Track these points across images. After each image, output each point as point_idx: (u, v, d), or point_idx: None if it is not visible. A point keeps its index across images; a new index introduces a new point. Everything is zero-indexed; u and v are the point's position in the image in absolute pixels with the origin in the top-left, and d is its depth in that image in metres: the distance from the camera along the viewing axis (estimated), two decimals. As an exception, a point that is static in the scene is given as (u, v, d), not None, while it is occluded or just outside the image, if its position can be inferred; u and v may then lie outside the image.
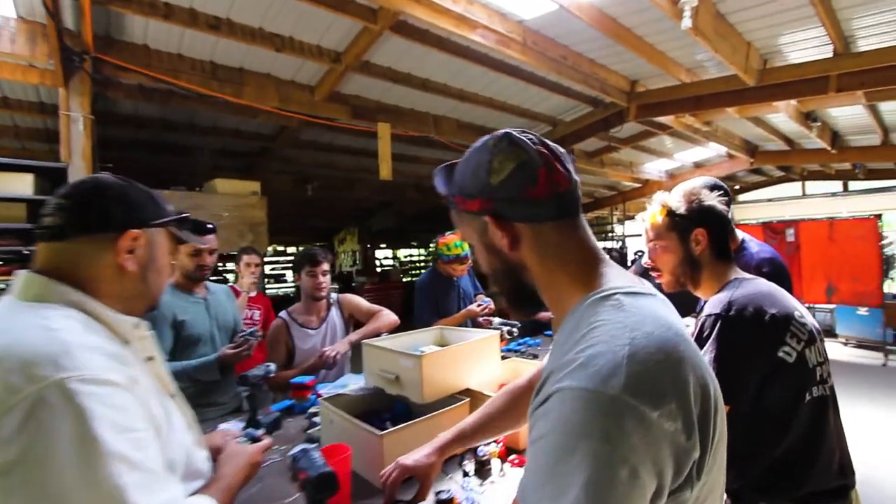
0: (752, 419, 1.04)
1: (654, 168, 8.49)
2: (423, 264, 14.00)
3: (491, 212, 0.64)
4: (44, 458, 0.56)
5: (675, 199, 1.20)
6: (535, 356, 2.55)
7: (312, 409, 1.72)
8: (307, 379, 1.89)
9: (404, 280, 11.45)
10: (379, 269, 12.36)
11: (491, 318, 2.75)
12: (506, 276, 0.68)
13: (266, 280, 11.75)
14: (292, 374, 2.04)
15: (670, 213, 1.19)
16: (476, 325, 2.83)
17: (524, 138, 0.65)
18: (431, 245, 2.64)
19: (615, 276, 0.63)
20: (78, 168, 3.16)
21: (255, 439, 0.98)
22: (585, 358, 0.50)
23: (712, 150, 7.29)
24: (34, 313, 0.67)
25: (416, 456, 1.02)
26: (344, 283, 11.00)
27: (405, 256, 14.45)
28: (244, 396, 1.70)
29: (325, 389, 1.78)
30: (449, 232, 2.66)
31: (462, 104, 4.78)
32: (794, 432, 1.05)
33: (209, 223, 2.09)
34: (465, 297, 2.93)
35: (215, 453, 0.92)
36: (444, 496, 1.09)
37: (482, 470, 1.26)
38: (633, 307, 0.56)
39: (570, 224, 0.65)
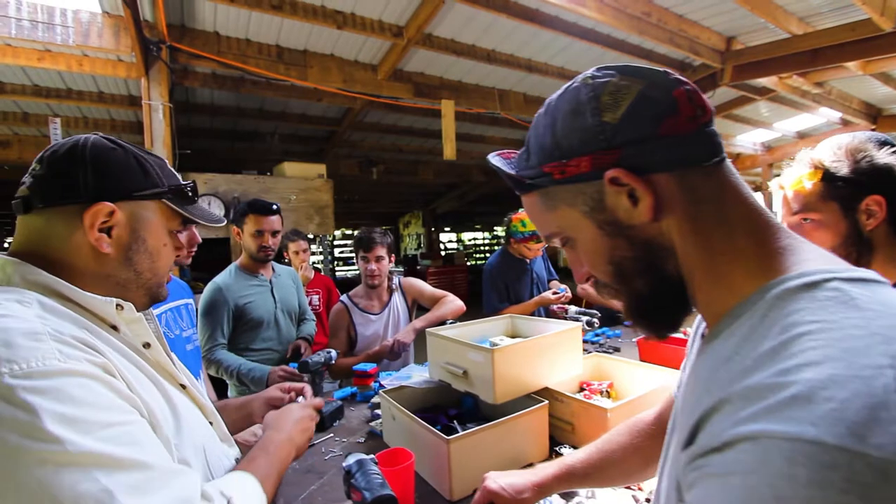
0: None
1: (746, 140, 7.57)
2: (486, 247, 13.80)
3: (617, 164, 0.43)
4: None
5: (832, 158, 0.88)
6: (617, 349, 2.29)
7: (375, 399, 1.63)
8: (370, 367, 1.80)
9: (468, 264, 11.34)
10: (443, 253, 12.37)
11: (566, 307, 2.51)
12: (641, 270, 0.46)
13: (335, 263, 12.26)
14: (355, 362, 1.96)
15: (827, 177, 0.87)
16: (549, 313, 2.60)
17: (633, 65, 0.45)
18: (504, 222, 2.53)
19: (811, 253, 0.41)
20: (160, 155, 3.32)
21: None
22: (806, 386, 0.29)
23: (821, 117, 6.31)
24: None
25: (509, 480, 0.84)
26: (409, 266, 11.13)
27: (469, 239, 14.36)
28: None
29: (388, 380, 1.67)
30: (522, 209, 2.43)
31: (529, 76, 4.46)
32: None
33: (273, 203, 2.05)
34: (539, 283, 2.68)
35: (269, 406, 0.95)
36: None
37: (565, 486, 1.07)
38: (874, 303, 0.33)
39: (724, 171, 0.45)
